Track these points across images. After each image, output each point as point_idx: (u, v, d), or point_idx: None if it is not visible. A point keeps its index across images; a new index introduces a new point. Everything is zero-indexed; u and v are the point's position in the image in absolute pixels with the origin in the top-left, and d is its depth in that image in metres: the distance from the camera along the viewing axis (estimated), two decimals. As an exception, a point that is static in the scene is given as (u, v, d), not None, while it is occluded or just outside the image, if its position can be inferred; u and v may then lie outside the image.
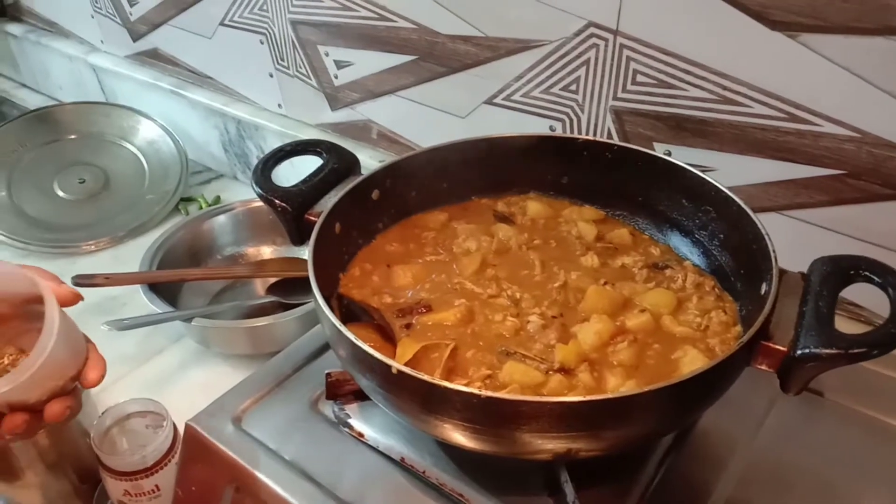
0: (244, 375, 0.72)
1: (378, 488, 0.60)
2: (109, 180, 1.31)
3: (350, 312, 0.64)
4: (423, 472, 0.60)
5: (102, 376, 0.55)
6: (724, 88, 0.75)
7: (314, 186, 0.68)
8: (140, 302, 0.95)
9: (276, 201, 0.66)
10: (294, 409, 0.67)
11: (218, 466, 0.63)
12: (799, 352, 0.49)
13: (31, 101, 1.66)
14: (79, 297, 0.55)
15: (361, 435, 0.64)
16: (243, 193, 1.27)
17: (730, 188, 0.80)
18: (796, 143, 0.74)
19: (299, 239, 0.67)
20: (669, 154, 0.83)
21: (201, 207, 1.26)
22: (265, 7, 1.12)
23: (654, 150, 0.84)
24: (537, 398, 0.49)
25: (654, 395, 0.48)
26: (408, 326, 0.62)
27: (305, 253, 0.61)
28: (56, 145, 1.35)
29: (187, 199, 1.29)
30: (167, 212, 1.25)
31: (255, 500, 0.60)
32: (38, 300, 0.52)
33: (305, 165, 0.72)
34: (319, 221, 0.64)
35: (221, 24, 1.20)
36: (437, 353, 0.59)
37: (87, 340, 0.57)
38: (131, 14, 1.36)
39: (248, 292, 1.08)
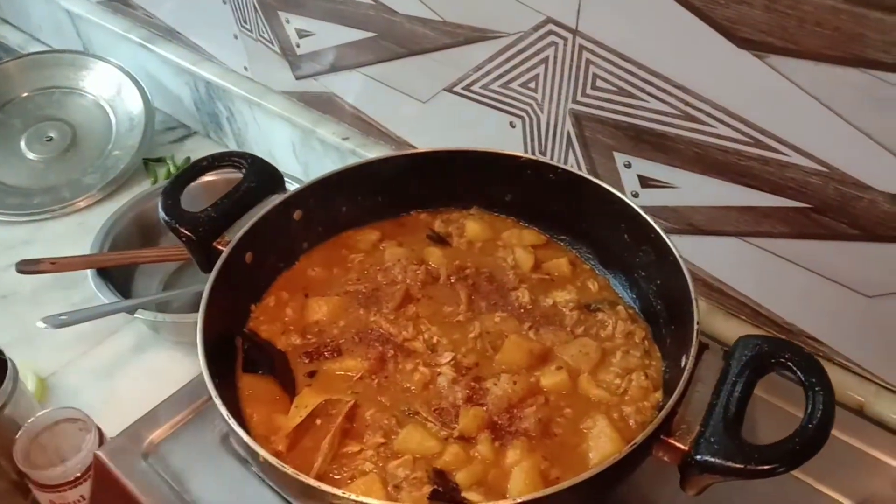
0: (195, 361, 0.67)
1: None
2: (77, 136, 1.27)
3: (252, 358, 0.61)
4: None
5: None
6: (686, 104, 0.68)
7: (225, 210, 0.64)
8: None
9: (181, 229, 0.62)
10: (205, 442, 0.65)
11: (124, 501, 0.62)
12: (697, 457, 0.46)
13: (13, 38, 1.61)
14: None
15: (267, 478, 0.62)
16: (215, 154, 1.22)
17: (690, 208, 0.74)
18: (760, 169, 0.67)
19: (209, 268, 0.63)
20: (629, 165, 0.76)
21: (169, 172, 1.22)
22: (225, -35, 1.04)
23: (613, 159, 0.78)
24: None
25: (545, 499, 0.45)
26: (312, 374, 0.60)
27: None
28: (17, 102, 1.30)
29: (156, 160, 1.25)
30: (134, 168, 1.21)
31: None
32: None
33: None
34: (225, 253, 0.61)
35: (184, -22, 1.13)
36: (336, 409, 0.56)
37: None
38: (99, -41, 1.28)
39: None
